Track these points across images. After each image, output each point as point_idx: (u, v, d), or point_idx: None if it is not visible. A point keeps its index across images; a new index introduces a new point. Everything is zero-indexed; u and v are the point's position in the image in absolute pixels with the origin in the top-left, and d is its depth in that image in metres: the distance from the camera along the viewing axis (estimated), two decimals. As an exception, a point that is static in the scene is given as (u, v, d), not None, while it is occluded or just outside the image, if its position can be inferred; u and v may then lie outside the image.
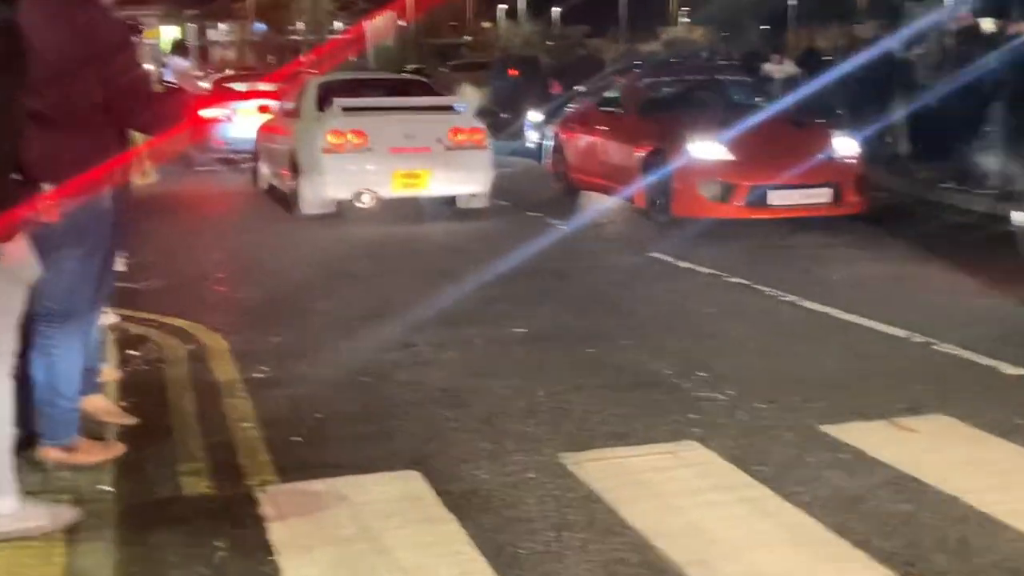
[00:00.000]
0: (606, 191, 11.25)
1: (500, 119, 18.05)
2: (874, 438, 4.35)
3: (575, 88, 15.78)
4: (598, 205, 11.41)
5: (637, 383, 5.20)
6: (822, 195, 9.65)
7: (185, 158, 15.99)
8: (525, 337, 6.13)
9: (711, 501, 3.73)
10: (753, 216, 9.58)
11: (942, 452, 4.21)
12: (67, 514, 3.50)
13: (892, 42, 13.83)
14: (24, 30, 3.14)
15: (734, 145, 9.73)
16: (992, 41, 12.77)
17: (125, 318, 6.33)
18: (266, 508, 3.72)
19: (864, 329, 6.18)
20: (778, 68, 17.19)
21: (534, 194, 12.89)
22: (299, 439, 4.47)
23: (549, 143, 13.32)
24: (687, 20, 49.28)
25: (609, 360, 5.62)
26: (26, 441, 3.87)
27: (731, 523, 3.55)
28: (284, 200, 11.69)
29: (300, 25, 49.78)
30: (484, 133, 10.95)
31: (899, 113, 12.90)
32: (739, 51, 24.90)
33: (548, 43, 36.78)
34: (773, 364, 5.49)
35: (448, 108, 11.23)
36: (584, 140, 11.85)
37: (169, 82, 3.89)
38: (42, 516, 3.43)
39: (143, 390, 5.09)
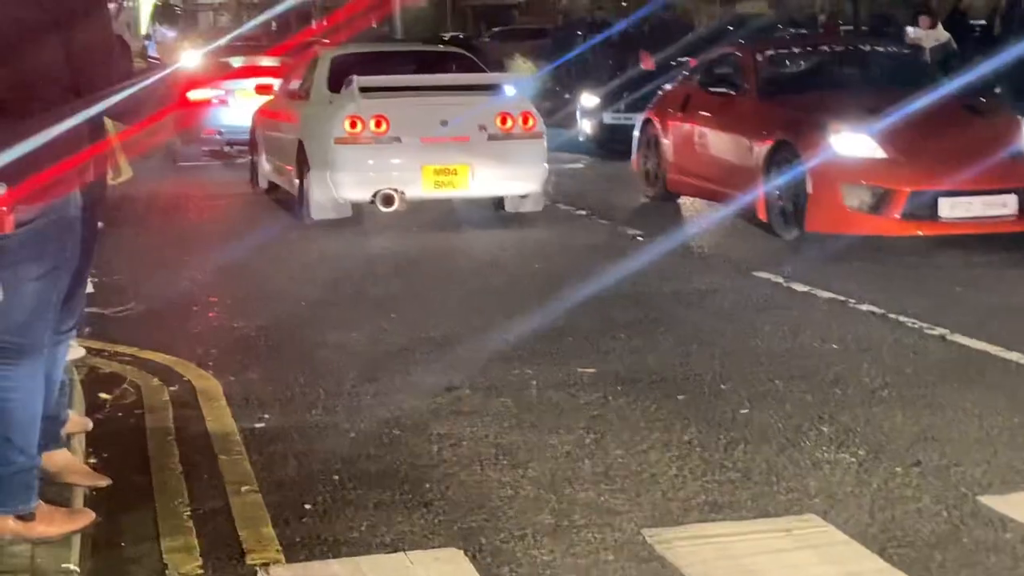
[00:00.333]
0: (716, 197, 10.92)
1: (564, 101, 18.10)
2: (1049, 514, 4.27)
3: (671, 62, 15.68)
4: (701, 215, 11.32)
5: (740, 439, 5.16)
6: (1006, 204, 9.09)
7: (168, 151, 16.23)
8: (595, 379, 6.11)
9: (838, 594, 3.69)
10: (915, 232, 9.07)
11: None
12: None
13: None
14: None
15: (889, 138, 9.26)
16: None
17: (95, 352, 6.41)
18: (271, 595, 3.74)
19: (1033, 372, 6.09)
20: (928, 33, 16.83)
21: (604, 197, 12.89)
22: (311, 507, 4.49)
23: (635, 132, 12.77)
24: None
25: (704, 410, 5.58)
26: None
27: (864, 623, 3.50)
28: (289, 202, 11.80)
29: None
30: (538, 119, 11.01)
31: None
32: (868, 12, 24.78)
33: (623, 4, 36.76)
34: (915, 416, 5.42)
35: (494, 88, 11.27)
36: (685, 130, 11.46)
37: (154, 58, 3.94)
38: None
39: (118, 443, 5.14)
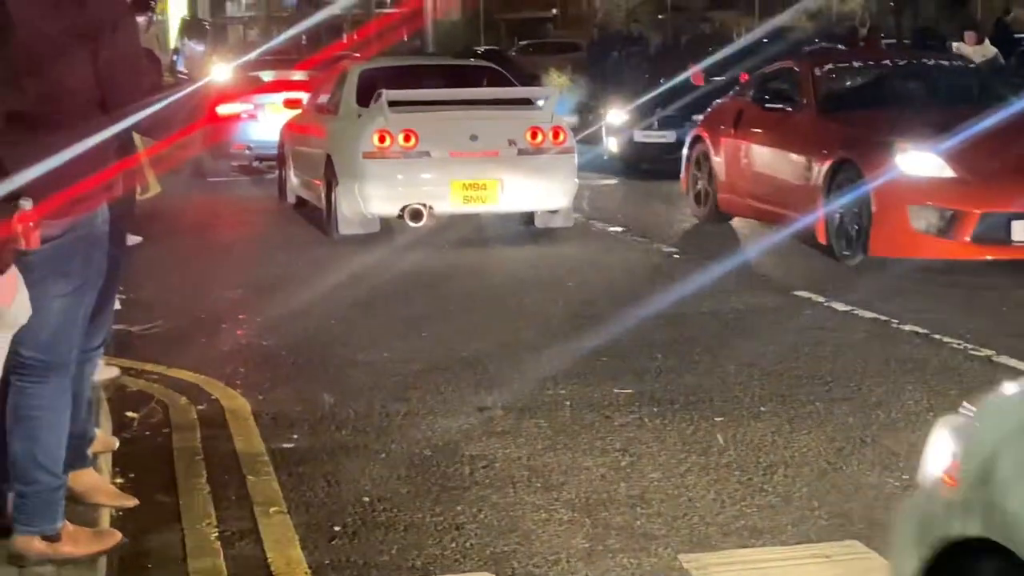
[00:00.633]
0: (771, 219, 10.64)
1: (592, 117, 18.04)
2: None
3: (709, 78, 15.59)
4: (745, 235, 11.21)
5: (780, 462, 5.12)
6: None
7: (197, 166, 16.32)
8: (631, 400, 6.09)
9: (882, 623, 3.65)
10: (985, 256, 8.82)
11: None
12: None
13: None
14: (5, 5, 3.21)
15: (957, 157, 8.92)
16: None
17: (123, 371, 6.44)
18: (299, 619, 3.74)
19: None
20: (975, 49, 16.75)
21: (639, 215, 12.88)
22: (340, 529, 4.49)
23: (683, 149, 12.46)
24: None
25: (743, 432, 5.55)
26: (-1, 528, 3.94)
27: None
28: (317, 217, 11.85)
29: (341, -2, 50.55)
30: (568, 134, 11.04)
31: None
32: (911, 25, 24.69)
33: (660, 16, 36.76)
34: (961, 440, 5.36)
35: (524, 102, 11.34)
36: (738, 148, 11.20)
37: (182, 73, 3.95)
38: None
39: (145, 463, 5.16)
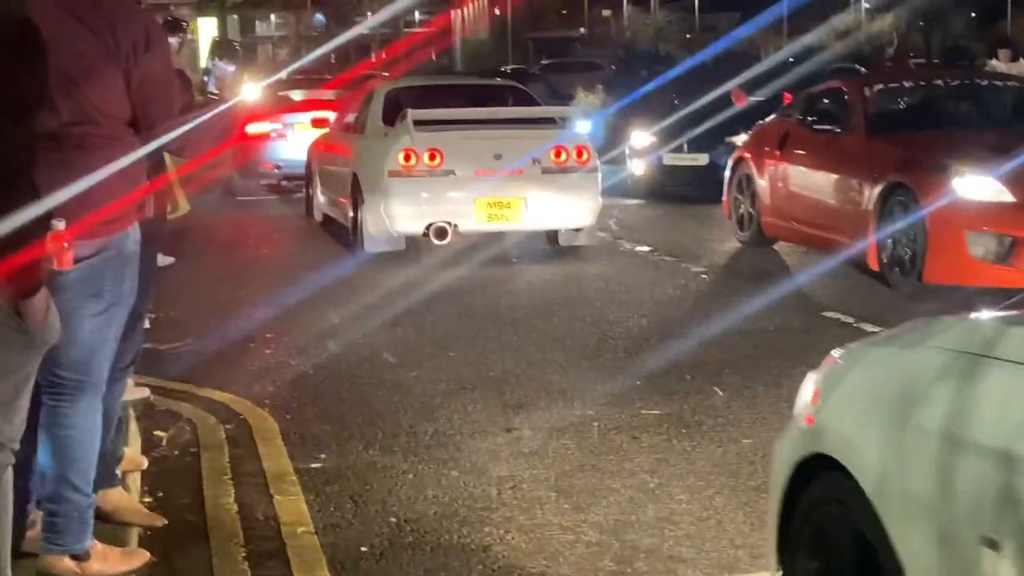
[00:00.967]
0: (818, 244, 10.36)
1: (614, 139, 17.93)
2: None
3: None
4: (781, 258, 11.08)
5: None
6: None
7: (226, 185, 16.41)
8: (659, 421, 6.07)
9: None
10: None
11: None
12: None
13: None
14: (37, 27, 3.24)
15: (1017, 180, 8.58)
16: None
17: (152, 390, 6.46)
18: (326, 640, 3.74)
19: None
20: (1009, 67, 16.58)
21: (668, 235, 12.86)
22: (367, 550, 4.49)
23: (725, 172, 12.14)
24: (868, 6, 48.99)
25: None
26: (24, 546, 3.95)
27: None
28: (344, 235, 11.90)
29: (371, 17, 50.86)
30: (592, 152, 11.08)
31: None
32: (940, 44, 24.63)
33: (687, 35, 36.80)
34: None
35: (549, 121, 11.41)
36: (783, 170, 10.95)
37: (213, 93, 3.98)
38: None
39: (173, 482, 5.18)
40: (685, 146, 15.08)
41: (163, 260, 8.83)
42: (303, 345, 7.77)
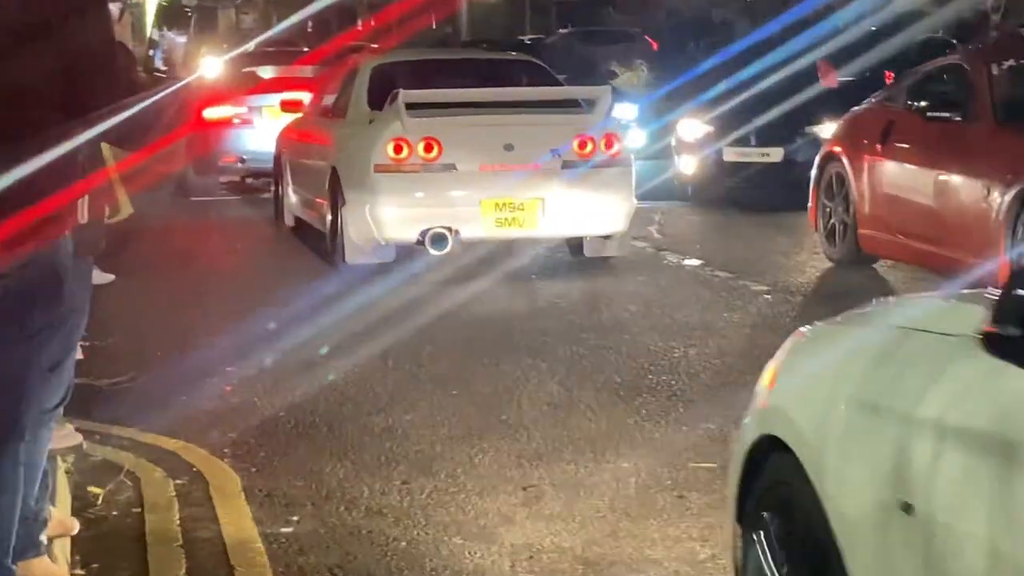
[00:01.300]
0: (933, 262, 10.06)
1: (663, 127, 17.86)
2: None
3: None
4: (902, 282, 10.74)
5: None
6: None
7: (179, 183, 16.45)
8: (711, 478, 6.05)
9: None
10: None
11: None
12: None
13: None
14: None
15: None
16: None
17: (86, 436, 6.47)
18: None
19: None
20: None
21: (723, 245, 12.85)
22: (351, 636, 4.48)
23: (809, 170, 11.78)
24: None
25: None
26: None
27: None
28: (319, 243, 11.91)
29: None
30: (623, 142, 11.08)
31: None
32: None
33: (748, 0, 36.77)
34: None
35: (572, 104, 11.38)
36: (886, 170, 10.65)
37: (160, 69, 3.99)
38: None
39: (111, 550, 5.16)
40: (752, 138, 14.67)
41: (100, 277, 8.85)
42: (271, 381, 7.78)
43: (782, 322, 9.25)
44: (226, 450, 6.50)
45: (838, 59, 15.50)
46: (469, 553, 5.20)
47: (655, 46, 26.90)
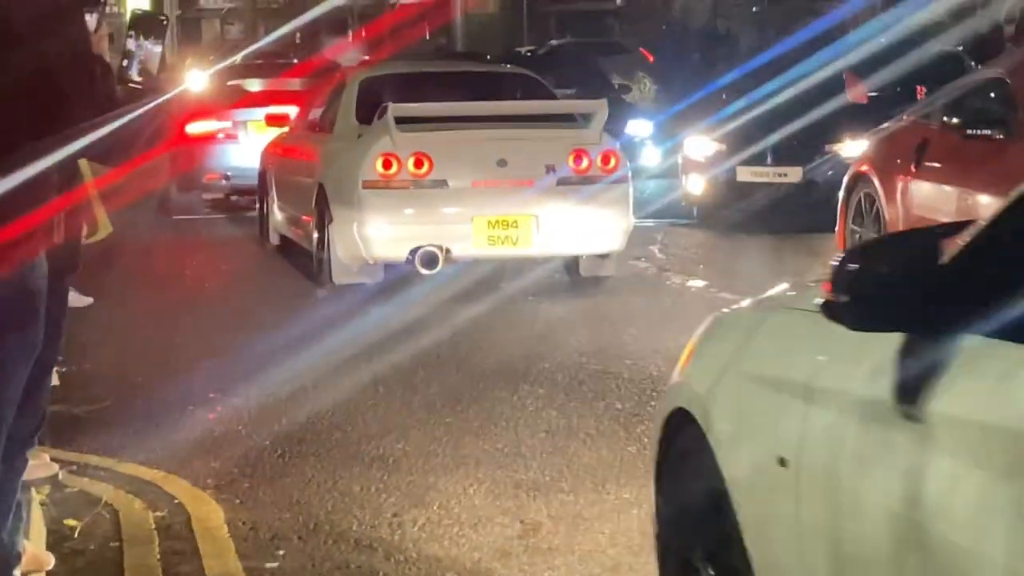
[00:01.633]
0: None
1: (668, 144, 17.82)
2: None
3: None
4: None
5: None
6: None
7: (160, 201, 16.44)
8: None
9: None
10: None
11: None
12: None
13: None
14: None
15: None
16: None
17: (62, 466, 6.44)
18: None
19: None
20: None
21: (731, 266, 12.84)
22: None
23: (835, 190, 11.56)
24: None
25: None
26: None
27: None
28: (306, 263, 11.91)
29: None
30: (621, 157, 11.11)
31: None
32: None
33: (754, 8, 36.88)
34: None
35: (567, 119, 11.44)
36: (922, 192, 10.47)
37: (135, 81, 3.97)
38: None
39: (86, 587, 5.14)
40: (769, 156, 14.41)
41: (78, 300, 8.84)
42: (256, 409, 7.76)
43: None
44: (209, 481, 6.47)
45: (860, 72, 15.24)
46: (463, 589, 5.18)
47: (650, 58, 26.96)
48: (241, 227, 15.47)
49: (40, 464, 5.94)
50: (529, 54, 27.69)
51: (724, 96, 16.16)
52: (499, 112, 11.30)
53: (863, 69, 15.00)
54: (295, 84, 17.53)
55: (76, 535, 5.71)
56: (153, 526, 5.83)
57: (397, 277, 11.13)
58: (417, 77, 12.95)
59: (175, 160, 15.30)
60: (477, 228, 10.68)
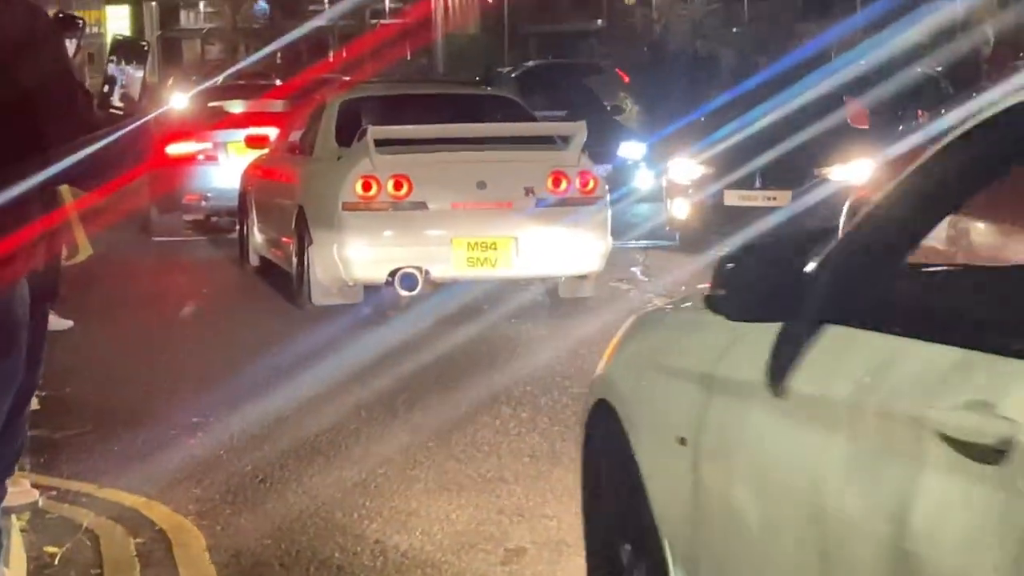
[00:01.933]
0: None
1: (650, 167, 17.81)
2: None
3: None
4: None
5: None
6: None
7: (141, 223, 16.41)
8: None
9: None
10: None
11: None
12: None
13: None
14: None
15: None
16: None
17: (41, 491, 6.41)
18: None
19: None
20: None
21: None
22: None
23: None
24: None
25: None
26: None
27: None
28: (285, 284, 11.90)
29: (328, 6, 51.21)
30: (600, 179, 11.19)
31: None
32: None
33: (735, 30, 36.97)
34: None
35: (546, 140, 11.50)
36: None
37: (117, 107, 3.95)
38: None
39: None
40: (758, 179, 14.11)
41: (58, 323, 8.81)
42: (238, 434, 7.73)
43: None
44: (190, 507, 6.46)
45: (847, 94, 15.08)
46: (447, 616, 5.17)
47: (626, 79, 26.98)
48: (221, 249, 15.46)
49: (20, 491, 5.92)
50: (513, 75, 27.70)
51: (708, 120, 16.04)
52: (478, 134, 11.34)
53: (850, 92, 15.02)
54: (276, 106, 17.54)
55: (57, 562, 5.69)
56: (134, 553, 5.82)
57: (379, 301, 11.14)
58: (396, 99, 12.99)
59: (155, 182, 15.30)
60: (457, 250, 10.72)
